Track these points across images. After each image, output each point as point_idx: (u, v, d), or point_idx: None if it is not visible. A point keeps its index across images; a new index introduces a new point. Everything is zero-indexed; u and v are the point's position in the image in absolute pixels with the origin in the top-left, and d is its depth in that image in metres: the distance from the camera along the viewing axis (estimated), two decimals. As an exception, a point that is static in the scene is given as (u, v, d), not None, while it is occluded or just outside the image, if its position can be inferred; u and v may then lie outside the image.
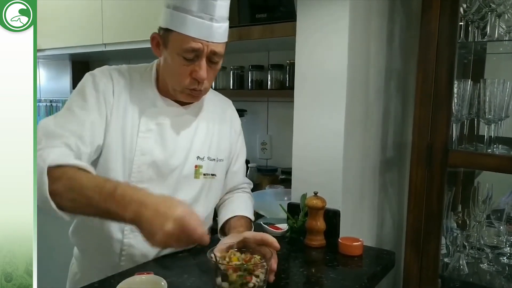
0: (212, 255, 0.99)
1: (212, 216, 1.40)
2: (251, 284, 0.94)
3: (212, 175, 1.33)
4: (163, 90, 1.27)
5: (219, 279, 0.95)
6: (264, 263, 0.97)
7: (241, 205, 1.39)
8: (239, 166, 1.46)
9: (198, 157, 1.30)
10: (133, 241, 1.22)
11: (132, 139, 1.21)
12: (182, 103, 1.28)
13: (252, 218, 1.37)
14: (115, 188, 0.97)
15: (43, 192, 0.97)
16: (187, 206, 0.97)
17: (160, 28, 1.20)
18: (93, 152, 1.17)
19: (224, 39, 1.21)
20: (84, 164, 1.06)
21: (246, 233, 1.11)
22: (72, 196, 0.99)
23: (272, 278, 1.04)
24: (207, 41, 1.15)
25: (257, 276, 0.95)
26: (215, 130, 1.35)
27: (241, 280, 0.94)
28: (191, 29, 1.14)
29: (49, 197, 0.98)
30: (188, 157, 1.28)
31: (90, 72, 1.25)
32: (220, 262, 0.98)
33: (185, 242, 0.95)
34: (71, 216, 1.04)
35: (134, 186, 1.05)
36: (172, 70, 1.21)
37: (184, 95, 1.24)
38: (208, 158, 1.32)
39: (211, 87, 1.33)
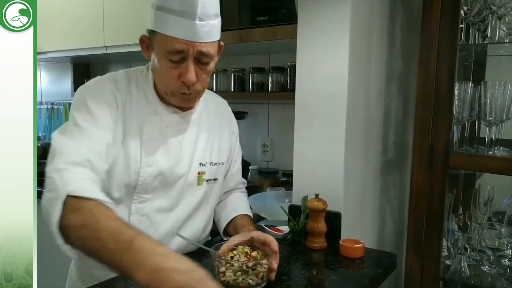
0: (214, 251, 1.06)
1: (212, 219, 1.40)
2: (249, 279, 1.01)
3: (214, 180, 1.32)
4: (160, 93, 1.22)
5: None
6: (259, 262, 1.03)
7: (243, 204, 1.42)
8: (238, 167, 1.47)
9: (200, 163, 1.28)
10: None
11: (136, 150, 1.17)
12: (182, 108, 1.24)
13: (252, 216, 1.39)
14: (134, 237, 0.85)
15: (51, 222, 0.91)
16: (214, 282, 0.82)
17: (147, 30, 1.16)
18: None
19: (212, 38, 1.13)
20: (107, 199, 0.97)
21: (253, 232, 1.13)
22: (84, 234, 0.90)
23: (272, 277, 1.07)
24: (192, 41, 1.09)
25: (253, 270, 1.01)
26: (215, 134, 1.34)
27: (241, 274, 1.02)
28: (173, 29, 1.08)
29: (57, 229, 0.91)
30: (191, 164, 1.26)
31: (90, 86, 1.19)
32: (218, 257, 1.04)
33: None
34: (78, 254, 0.94)
35: (152, 239, 0.88)
36: (161, 73, 1.16)
37: (175, 99, 1.19)
38: (211, 163, 1.30)
39: (212, 90, 1.31)
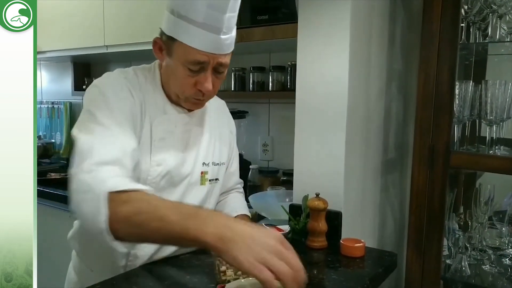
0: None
1: None
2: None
3: (216, 180, 1.33)
4: (167, 94, 1.23)
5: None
6: None
7: (241, 204, 1.43)
8: (236, 166, 1.47)
9: (203, 163, 1.28)
10: (139, 252, 1.19)
11: (147, 149, 1.17)
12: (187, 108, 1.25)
13: (250, 216, 1.41)
14: (197, 209, 0.92)
15: (98, 222, 0.91)
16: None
17: (163, 33, 1.15)
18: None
19: (231, 48, 1.16)
20: (149, 188, 0.99)
21: None
22: (141, 219, 0.91)
23: None
24: (214, 54, 1.11)
25: None
26: (216, 134, 1.34)
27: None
28: (197, 41, 1.08)
29: (107, 226, 0.91)
30: (195, 164, 1.26)
31: (107, 82, 1.16)
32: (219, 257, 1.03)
33: (282, 265, 0.86)
34: (127, 246, 0.98)
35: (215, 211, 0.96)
36: (176, 79, 1.16)
37: (188, 104, 1.22)
38: (213, 163, 1.31)
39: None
